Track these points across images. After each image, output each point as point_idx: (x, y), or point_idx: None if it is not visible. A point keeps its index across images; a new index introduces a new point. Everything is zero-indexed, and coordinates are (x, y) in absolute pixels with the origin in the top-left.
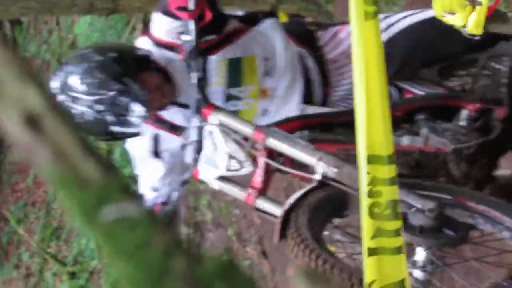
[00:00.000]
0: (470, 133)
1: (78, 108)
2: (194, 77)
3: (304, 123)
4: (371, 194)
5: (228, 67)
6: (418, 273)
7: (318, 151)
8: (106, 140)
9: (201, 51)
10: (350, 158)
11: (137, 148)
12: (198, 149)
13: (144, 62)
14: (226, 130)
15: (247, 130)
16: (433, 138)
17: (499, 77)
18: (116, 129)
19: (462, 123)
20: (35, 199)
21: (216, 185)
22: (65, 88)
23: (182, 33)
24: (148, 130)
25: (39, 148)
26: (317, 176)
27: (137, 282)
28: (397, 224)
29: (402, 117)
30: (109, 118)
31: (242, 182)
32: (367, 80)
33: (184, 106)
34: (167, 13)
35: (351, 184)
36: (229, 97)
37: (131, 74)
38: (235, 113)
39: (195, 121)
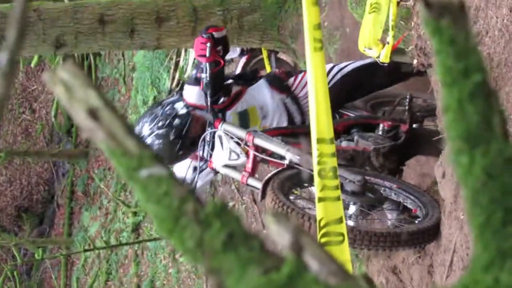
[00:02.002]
0: (385, 139)
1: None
2: (208, 101)
3: (277, 132)
4: (319, 163)
5: (239, 117)
6: (350, 222)
7: (286, 145)
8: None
9: (220, 110)
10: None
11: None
12: (211, 147)
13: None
14: (229, 134)
15: (242, 134)
16: (361, 141)
17: (405, 108)
18: None
19: (380, 133)
20: (111, 165)
21: (222, 170)
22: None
23: (202, 71)
24: None
25: (97, 130)
26: (286, 161)
27: (162, 220)
28: (336, 182)
29: (341, 131)
30: None
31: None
32: (316, 90)
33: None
34: (193, 83)
35: (308, 167)
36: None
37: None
38: (234, 124)
39: (209, 130)
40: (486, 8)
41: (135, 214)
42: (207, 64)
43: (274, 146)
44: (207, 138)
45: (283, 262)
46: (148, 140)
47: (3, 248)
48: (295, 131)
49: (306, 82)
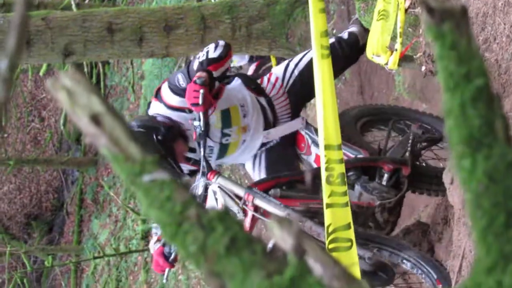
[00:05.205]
0: (390, 191)
1: None
2: (202, 151)
3: (275, 183)
4: (327, 169)
5: (222, 116)
6: None
7: (287, 208)
8: None
9: None
10: (309, 209)
11: None
12: (202, 201)
13: (173, 134)
14: (224, 189)
15: (240, 192)
16: (365, 195)
17: (404, 142)
18: None
19: (384, 182)
20: None
21: None
22: None
23: (194, 119)
24: None
25: (100, 136)
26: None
27: (165, 225)
28: (344, 188)
29: None
30: None
31: None
32: (324, 96)
33: (192, 150)
34: (176, 92)
35: (312, 235)
36: (223, 135)
37: (170, 150)
38: (229, 177)
39: (202, 181)
40: (494, 14)
41: (144, 221)
42: (201, 113)
43: (274, 209)
44: (199, 191)
45: (286, 266)
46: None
47: (13, 256)
48: (292, 179)
49: (275, 81)
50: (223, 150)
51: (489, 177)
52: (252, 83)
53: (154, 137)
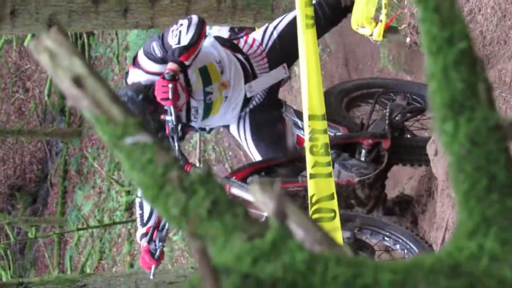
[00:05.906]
0: (369, 166)
1: None
2: (176, 145)
3: (253, 169)
4: (311, 139)
5: (200, 74)
6: None
7: None
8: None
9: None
10: (288, 193)
11: None
12: None
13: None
14: None
15: None
16: (344, 173)
17: (385, 115)
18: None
19: (362, 158)
20: (104, 144)
21: None
22: None
23: (165, 113)
24: None
25: (82, 98)
26: (265, 214)
27: (147, 187)
28: (328, 158)
29: None
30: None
31: None
32: (308, 66)
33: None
34: (153, 60)
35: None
36: (206, 93)
37: (156, 104)
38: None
39: None
40: None
41: (128, 193)
42: (172, 107)
43: (251, 197)
44: None
45: (267, 230)
46: None
47: None
48: (270, 163)
49: (253, 43)
50: (208, 109)
51: (471, 140)
52: (227, 41)
53: (137, 97)
